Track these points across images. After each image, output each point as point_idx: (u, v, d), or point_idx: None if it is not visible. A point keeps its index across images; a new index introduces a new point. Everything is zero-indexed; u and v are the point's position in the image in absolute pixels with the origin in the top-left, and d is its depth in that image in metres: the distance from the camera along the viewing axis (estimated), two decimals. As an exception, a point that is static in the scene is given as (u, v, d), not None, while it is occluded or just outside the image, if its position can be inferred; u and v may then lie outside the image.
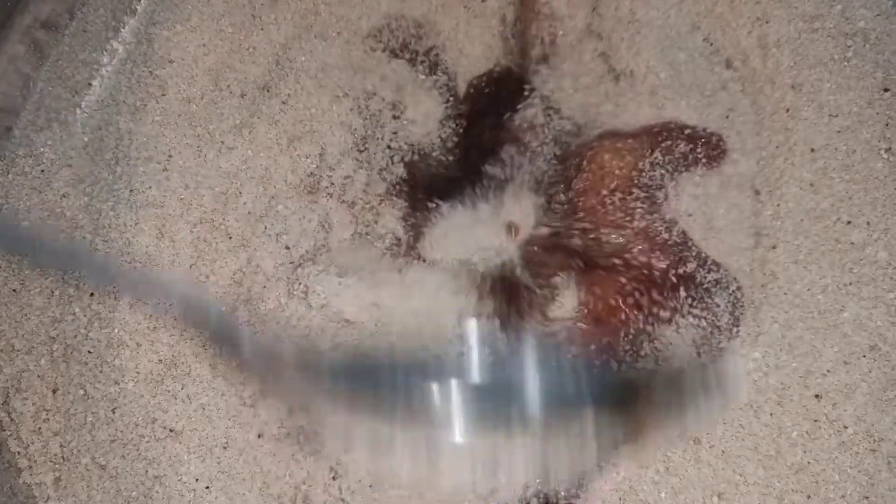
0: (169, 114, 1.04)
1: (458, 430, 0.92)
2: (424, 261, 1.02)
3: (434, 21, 1.13)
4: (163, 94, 1.05)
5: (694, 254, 1.00)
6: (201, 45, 1.08)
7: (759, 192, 1.02)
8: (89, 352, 0.97)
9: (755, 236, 1.00)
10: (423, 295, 0.99)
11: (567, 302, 0.99)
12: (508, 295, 1.00)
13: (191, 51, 1.07)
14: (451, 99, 1.11)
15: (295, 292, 0.99)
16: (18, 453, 0.99)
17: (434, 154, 1.08)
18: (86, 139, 1.08)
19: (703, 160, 1.03)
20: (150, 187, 1.01)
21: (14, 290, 1.03)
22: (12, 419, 1.00)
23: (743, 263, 1.00)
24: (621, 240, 1.01)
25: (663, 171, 1.03)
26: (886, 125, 1.01)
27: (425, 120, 1.10)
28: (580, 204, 1.03)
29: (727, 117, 1.05)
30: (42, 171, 1.07)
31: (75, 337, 0.98)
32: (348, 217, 1.04)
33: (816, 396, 0.93)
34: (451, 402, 0.92)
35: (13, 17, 1.15)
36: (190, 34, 1.08)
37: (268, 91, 1.08)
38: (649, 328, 0.97)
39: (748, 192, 1.02)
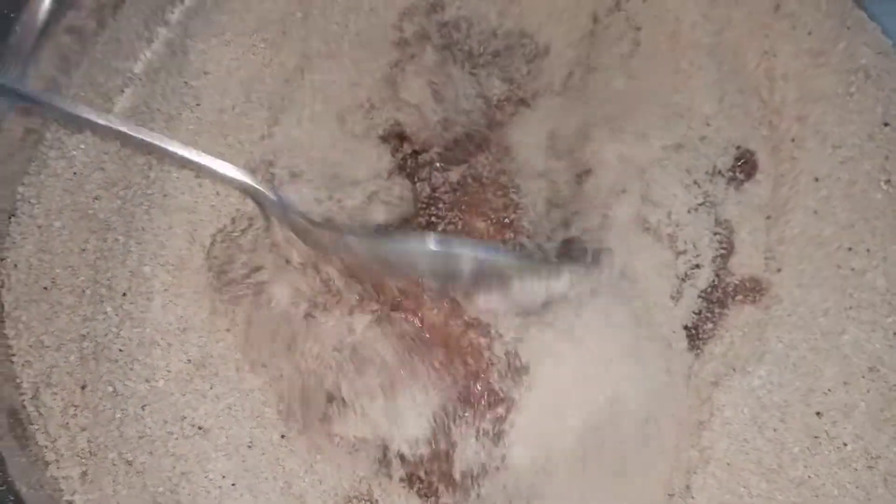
0: (203, 123, 1.08)
1: None
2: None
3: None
4: (197, 104, 1.08)
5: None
6: (234, 58, 1.11)
7: (769, 217, 1.06)
8: (120, 350, 0.99)
9: (764, 260, 1.04)
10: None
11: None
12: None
13: (225, 63, 1.10)
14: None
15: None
16: (46, 447, 1.02)
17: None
18: (118, 144, 1.10)
19: (739, 171, 1.08)
20: (183, 193, 1.04)
21: (45, 288, 1.05)
22: (41, 413, 1.02)
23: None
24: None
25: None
26: (886, 158, 1.06)
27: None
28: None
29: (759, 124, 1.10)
30: (74, 173, 1.10)
31: (106, 335, 1.01)
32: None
33: (817, 414, 0.97)
34: None
35: (46, 26, 1.17)
36: (224, 48, 1.11)
37: (293, 103, 1.12)
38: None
39: (763, 215, 1.07)
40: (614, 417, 0.98)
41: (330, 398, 1.00)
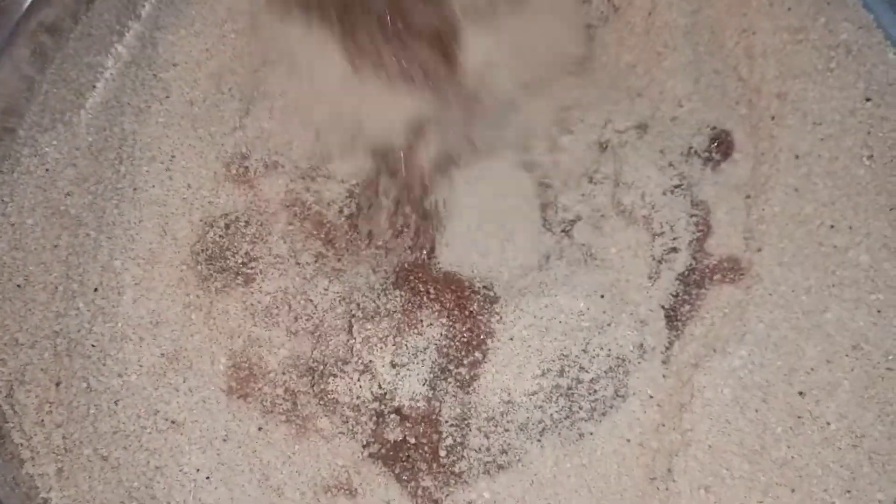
0: (172, 115, 1.07)
1: None
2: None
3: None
4: (166, 97, 1.07)
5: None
6: (204, 49, 1.10)
7: (749, 196, 1.05)
8: (93, 345, 0.99)
9: (744, 240, 1.03)
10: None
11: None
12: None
13: (194, 55, 1.10)
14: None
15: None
16: (21, 445, 1.01)
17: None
18: (90, 140, 1.10)
19: (716, 151, 1.07)
20: (153, 186, 1.03)
21: (18, 286, 1.05)
22: (15, 411, 1.01)
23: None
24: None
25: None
26: (868, 133, 1.04)
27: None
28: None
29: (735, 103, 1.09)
30: (47, 170, 1.09)
31: (79, 331, 1.00)
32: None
33: (800, 394, 0.96)
34: None
35: (18, 22, 1.17)
36: (194, 39, 1.10)
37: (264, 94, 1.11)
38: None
39: (742, 194, 1.06)
40: (578, 374, 1.00)
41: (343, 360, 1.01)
